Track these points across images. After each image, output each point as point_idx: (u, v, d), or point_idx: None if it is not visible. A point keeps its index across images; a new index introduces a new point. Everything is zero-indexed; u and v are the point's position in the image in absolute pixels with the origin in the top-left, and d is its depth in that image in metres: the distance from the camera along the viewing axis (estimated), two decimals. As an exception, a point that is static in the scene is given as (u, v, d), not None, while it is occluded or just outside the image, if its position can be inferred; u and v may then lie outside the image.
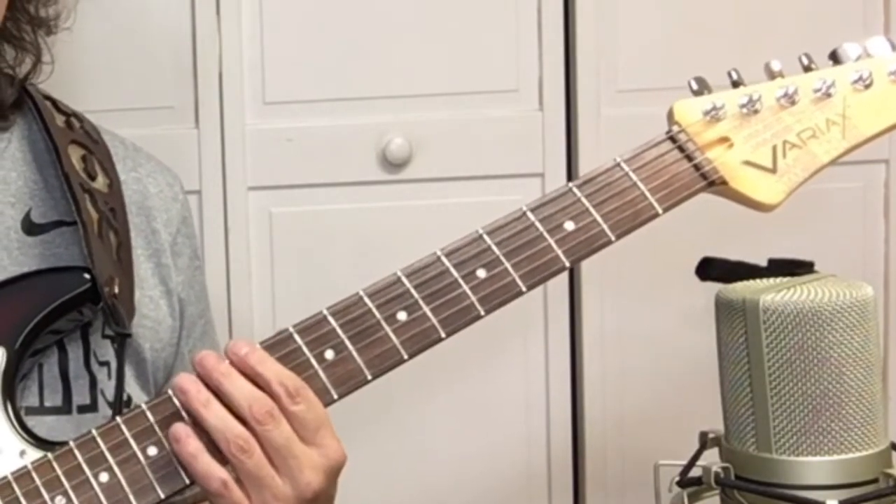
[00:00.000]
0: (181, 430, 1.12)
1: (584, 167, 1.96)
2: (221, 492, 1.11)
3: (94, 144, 1.33)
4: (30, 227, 1.29)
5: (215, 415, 1.12)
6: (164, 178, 1.38)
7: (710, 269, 1.67)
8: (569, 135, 1.98)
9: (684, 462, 1.57)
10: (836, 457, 1.46)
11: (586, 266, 1.96)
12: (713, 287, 1.59)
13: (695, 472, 1.55)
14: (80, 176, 1.28)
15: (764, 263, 1.64)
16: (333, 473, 1.15)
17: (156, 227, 1.35)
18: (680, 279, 1.81)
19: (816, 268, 1.62)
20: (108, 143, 1.35)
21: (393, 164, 1.94)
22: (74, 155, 1.30)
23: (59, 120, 1.32)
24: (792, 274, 1.58)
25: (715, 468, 1.50)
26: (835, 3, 1.99)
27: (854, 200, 2.03)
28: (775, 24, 1.96)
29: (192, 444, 1.12)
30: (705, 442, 1.57)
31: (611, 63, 1.97)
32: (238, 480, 1.12)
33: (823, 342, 1.46)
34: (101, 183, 1.30)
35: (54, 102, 1.35)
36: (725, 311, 1.51)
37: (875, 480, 1.47)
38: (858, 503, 1.45)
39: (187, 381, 1.13)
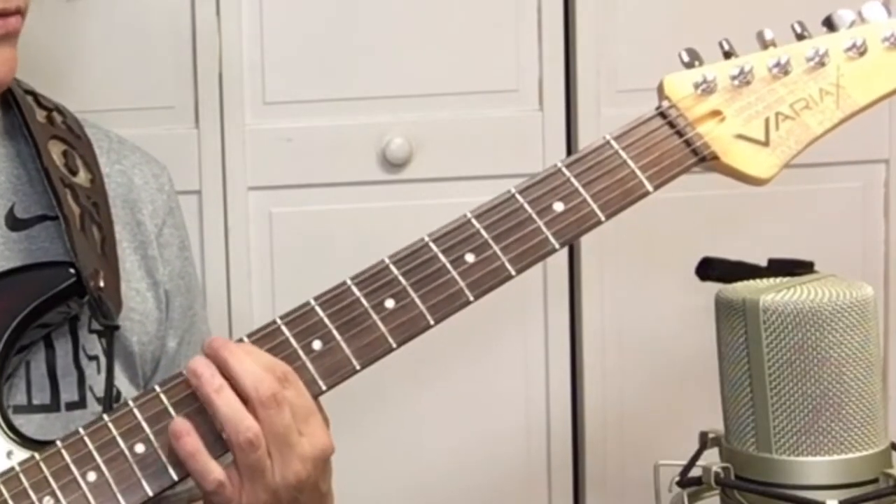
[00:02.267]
0: (181, 426, 1.11)
1: (584, 167, 1.96)
2: (216, 490, 1.11)
3: (75, 139, 1.32)
4: (14, 223, 1.29)
5: (227, 403, 1.11)
6: (150, 170, 1.37)
7: (710, 269, 1.67)
8: (569, 135, 1.98)
9: (684, 462, 1.57)
10: (836, 457, 1.46)
11: (586, 266, 1.96)
12: (713, 287, 1.59)
13: (695, 472, 1.54)
14: (60, 171, 1.27)
15: (764, 263, 1.64)
16: (320, 464, 1.15)
17: (141, 219, 1.34)
18: (680, 279, 1.81)
19: (816, 268, 1.62)
20: (91, 137, 1.35)
21: (393, 164, 1.94)
22: (55, 150, 1.29)
23: (40, 115, 1.32)
24: (792, 274, 1.58)
25: (715, 468, 1.50)
26: (836, 4, 1.98)
27: (854, 200, 2.03)
28: (775, 24, 1.96)
29: (191, 443, 1.11)
30: (705, 442, 1.57)
31: (611, 63, 1.97)
32: (231, 471, 1.11)
33: (823, 342, 1.46)
34: (82, 178, 1.29)
35: (36, 97, 1.34)
36: (725, 311, 1.51)
37: (875, 480, 1.47)
38: (858, 503, 1.45)
39: (201, 364, 1.13)
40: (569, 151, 1.98)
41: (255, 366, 1.12)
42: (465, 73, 1.95)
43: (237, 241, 1.93)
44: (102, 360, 1.28)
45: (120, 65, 1.89)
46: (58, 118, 1.33)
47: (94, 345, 1.28)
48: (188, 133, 1.91)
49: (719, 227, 1.88)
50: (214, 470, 1.11)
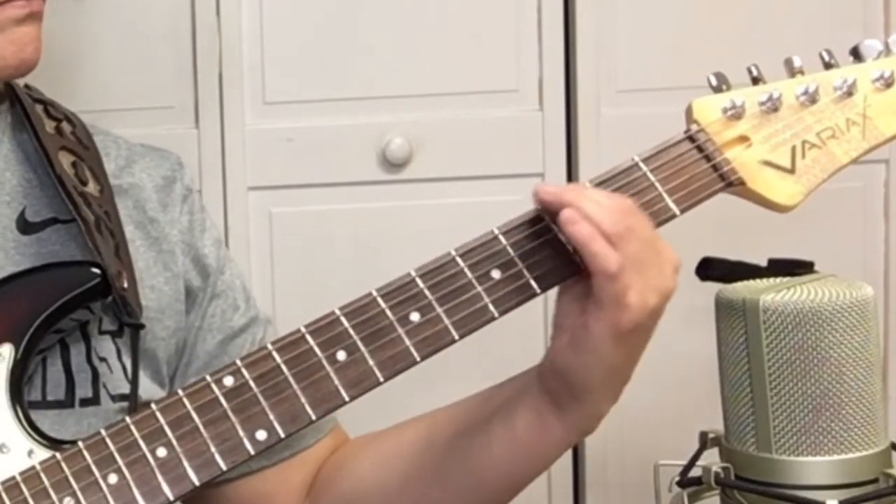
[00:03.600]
0: (572, 212, 1.11)
1: (584, 167, 1.96)
2: (616, 273, 1.11)
3: (84, 150, 1.33)
4: (25, 226, 1.29)
5: (596, 201, 1.11)
6: (159, 170, 1.37)
7: (710, 269, 1.67)
8: (569, 135, 1.98)
9: (684, 462, 1.57)
10: (836, 457, 1.46)
11: (586, 266, 1.96)
12: (713, 287, 1.59)
13: (695, 472, 1.55)
14: (72, 180, 1.28)
15: (764, 263, 1.64)
16: (675, 276, 1.16)
17: (153, 217, 1.34)
18: (680, 279, 1.81)
19: (816, 268, 1.62)
20: (99, 146, 1.35)
21: (393, 164, 1.94)
22: (65, 161, 1.29)
23: (49, 126, 1.32)
24: (792, 274, 1.58)
25: (715, 468, 1.50)
26: (835, 3, 1.99)
27: (854, 200, 2.03)
28: (774, 25, 1.96)
29: (587, 226, 1.11)
30: (705, 442, 1.58)
31: (611, 63, 1.97)
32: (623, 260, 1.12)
33: (823, 342, 1.46)
34: (92, 188, 1.30)
35: (46, 107, 1.35)
36: (725, 311, 1.51)
37: (875, 480, 1.47)
38: (858, 503, 1.45)
39: (548, 186, 1.14)
40: (569, 151, 1.98)
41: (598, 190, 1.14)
42: (465, 73, 1.95)
43: (237, 241, 1.93)
44: (112, 361, 1.28)
45: (120, 65, 1.89)
46: (67, 129, 1.34)
47: (103, 346, 1.28)
48: (188, 133, 1.91)
49: (719, 227, 1.88)
50: (613, 252, 1.11)
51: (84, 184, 1.29)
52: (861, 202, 2.04)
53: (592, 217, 1.12)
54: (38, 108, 1.33)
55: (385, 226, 1.93)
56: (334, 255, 1.94)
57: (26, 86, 1.36)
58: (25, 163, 1.31)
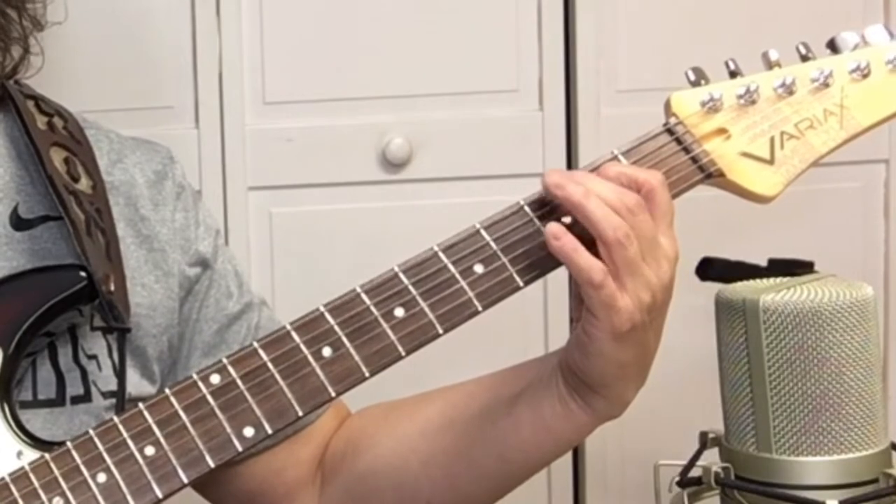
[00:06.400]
0: (557, 228, 1.14)
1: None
2: (603, 282, 1.13)
3: (76, 146, 1.33)
4: (17, 223, 1.29)
5: (598, 205, 1.13)
6: (151, 165, 1.37)
7: (710, 269, 1.67)
8: (569, 135, 1.98)
9: (684, 462, 1.57)
10: (836, 457, 1.46)
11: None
12: (713, 287, 1.59)
13: (695, 472, 1.55)
14: (63, 178, 1.28)
15: (764, 263, 1.64)
16: (675, 264, 1.18)
17: (144, 215, 1.34)
18: (680, 279, 1.81)
19: (816, 268, 1.62)
20: (91, 141, 1.35)
21: (393, 164, 1.94)
22: (57, 158, 1.29)
23: (41, 122, 1.32)
24: (792, 274, 1.58)
25: (715, 468, 1.50)
26: (837, 7, 1.99)
27: (854, 200, 2.03)
28: (776, 24, 1.96)
29: (571, 240, 1.13)
30: (705, 442, 1.58)
31: (611, 63, 1.97)
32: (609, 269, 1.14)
33: (823, 342, 1.46)
34: (84, 185, 1.30)
35: (37, 102, 1.34)
36: (725, 311, 1.51)
37: (875, 480, 1.47)
38: (858, 503, 1.45)
39: (559, 176, 1.15)
40: (569, 151, 1.98)
41: (609, 182, 1.15)
42: (465, 73, 1.95)
43: (237, 241, 1.93)
44: (102, 358, 1.28)
45: (120, 65, 1.89)
46: (59, 124, 1.33)
47: (92, 344, 1.28)
48: (188, 133, 1.91)
49: (719, 228, 1.88)
50: (598, 262, 1.13)
51: (76, 180, 1.29)
52: (861, 202, 2.04)
53: (594, 220, 1.13)
54: (30, 103, 1.33)
55: (385, 226, 1.93)
56: (334, 255, 1.94)
57: (16, 81, 1.36)
58: (17, 159, 1.31)
